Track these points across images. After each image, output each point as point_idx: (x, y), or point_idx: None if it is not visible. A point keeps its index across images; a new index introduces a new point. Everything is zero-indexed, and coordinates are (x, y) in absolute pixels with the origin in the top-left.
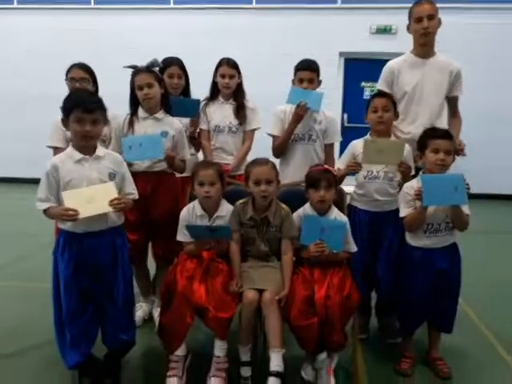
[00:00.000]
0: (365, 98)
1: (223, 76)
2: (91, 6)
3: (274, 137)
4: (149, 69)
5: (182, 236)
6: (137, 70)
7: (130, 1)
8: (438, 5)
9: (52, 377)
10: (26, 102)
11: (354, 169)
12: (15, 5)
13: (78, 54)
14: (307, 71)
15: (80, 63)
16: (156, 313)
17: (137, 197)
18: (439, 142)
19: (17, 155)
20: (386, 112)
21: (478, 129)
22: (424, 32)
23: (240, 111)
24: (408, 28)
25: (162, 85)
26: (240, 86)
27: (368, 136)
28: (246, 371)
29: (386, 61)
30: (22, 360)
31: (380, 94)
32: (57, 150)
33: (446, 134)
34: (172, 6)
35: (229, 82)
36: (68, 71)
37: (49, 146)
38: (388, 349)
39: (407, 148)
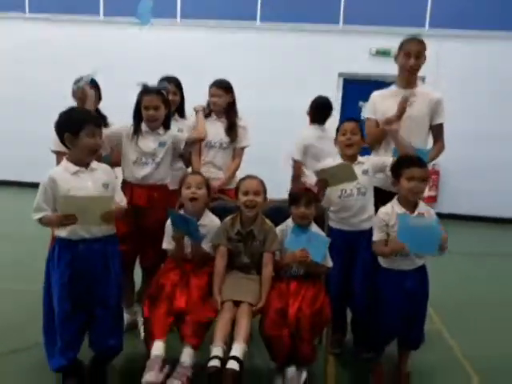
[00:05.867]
0: (362, 118)
1: (212, 95)
2: (99, 18)
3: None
4: (158, 91)
5: (167, 244)
6: (147, 90)
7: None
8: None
9: (38, 378)
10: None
11: (320, 186)
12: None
13: (83, 65)
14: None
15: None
16: (140, 321)
17: (125, 206)
18: (413, 169)
19: None
20: (354, 135)
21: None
22: (409, 69)
23: (231, 129)
24: (395, 58)
25: (167, 106)
26: (232, 105)
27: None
28: (214, 362)
29: (385, 82)
30: (10, 360)
31: (349, 118)
32: (60, 155)
33: (419, 162)
34: (178, 22)
35: (216, 101)
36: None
37: (53, 151)
38: (362, 364)
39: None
